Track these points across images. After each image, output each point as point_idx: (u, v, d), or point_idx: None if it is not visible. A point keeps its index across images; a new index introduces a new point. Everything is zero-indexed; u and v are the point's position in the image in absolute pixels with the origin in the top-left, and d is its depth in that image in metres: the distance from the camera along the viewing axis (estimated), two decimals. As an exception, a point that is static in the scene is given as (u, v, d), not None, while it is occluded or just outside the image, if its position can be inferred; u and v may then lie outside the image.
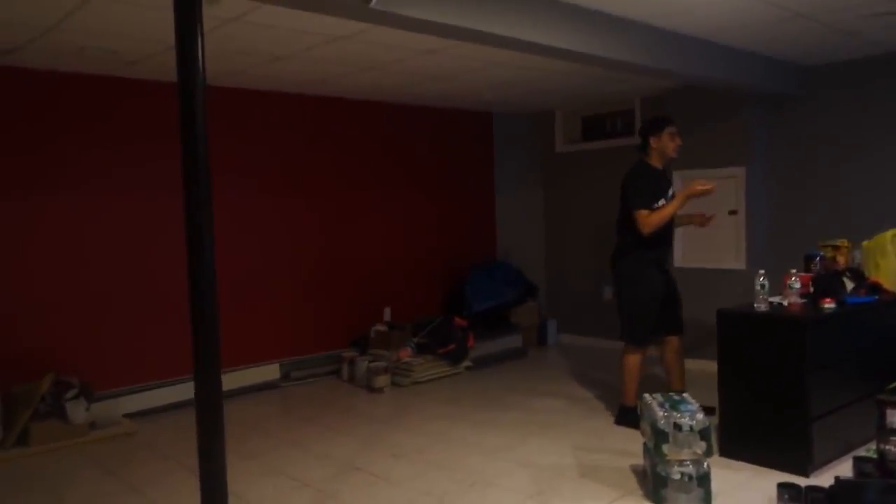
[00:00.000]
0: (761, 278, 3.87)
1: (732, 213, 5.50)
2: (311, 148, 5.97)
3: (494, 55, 4.39)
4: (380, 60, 4.70)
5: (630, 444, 3.93)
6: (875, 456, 2.96)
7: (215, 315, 2.13)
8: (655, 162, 4.30)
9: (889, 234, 4.17)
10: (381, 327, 6.12)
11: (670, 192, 4.30)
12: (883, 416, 3.14)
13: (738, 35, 4.44)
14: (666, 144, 4.24)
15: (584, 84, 5.70)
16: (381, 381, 5.48)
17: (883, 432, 2.97)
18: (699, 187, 4.07)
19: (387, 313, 6.41)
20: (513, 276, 6.81)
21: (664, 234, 4.30)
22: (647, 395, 3.57)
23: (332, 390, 5.59)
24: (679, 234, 5.26)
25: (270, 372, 5.65)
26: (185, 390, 4.87)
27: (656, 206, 4.16)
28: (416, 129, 6.63)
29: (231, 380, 5.29)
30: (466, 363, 6.00)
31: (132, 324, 5.01)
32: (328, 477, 3.75)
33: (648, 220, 4.14)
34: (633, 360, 4.36)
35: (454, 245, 6.92)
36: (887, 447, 2.89)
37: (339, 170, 6.14)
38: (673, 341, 4.44)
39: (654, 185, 4.24)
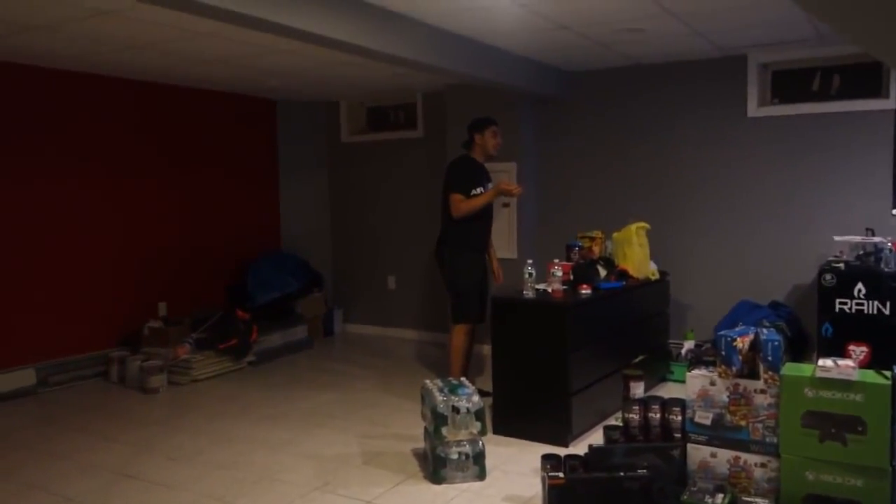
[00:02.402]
0: (529, 267, 4.25)
1: (505, 205, 5.94)
2: (77, 130, 5.49)
3: (277, 42, 4.33)
4: (149, 40, 4.44)
5: (412, 430, 4.13)
6: (621, 424, 3.40)
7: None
8: (478, 156, 4.77)
9: (634, 226, 4.78)
10: (155, 323, 5.79)
11: (489, 185, 4.74)
12: (627, 388, 3.62)
13: (509, 40, 4.80)
14: (488, 141, 4.74)
15: (367, 76, 5.80)
16: (156, 381, 5.20)
17: (627, 402, 3.41)
18: (508, 186, 4.60)
19: (161, 308, 6.08)
20: (297, 267, 6.77)
21: (483, 224, 4.77)
22: (427, 382, 3.78)
23: (100, 394, 5.21)
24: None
25: (24, 378, 5.13)
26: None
27: (474, 193, 4.61)
28: (194, 114, 6.32)
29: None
30: (250, 358, 5.89)
31: None
32: (96, 488, 3.52)
33: (460, 205, 4.58)
34: (461, 339, 4.71)
35: (236, 235, 6.72)
36: (630, 415, 3.34)
37: (108, 154, 5.69)
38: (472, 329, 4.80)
39: (474, 176, 4.69)
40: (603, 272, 4.57)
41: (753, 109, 5.32)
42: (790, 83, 5.34)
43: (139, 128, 5.92)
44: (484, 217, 4.77)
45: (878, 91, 4.95)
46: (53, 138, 5.35)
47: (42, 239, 5.30)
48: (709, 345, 4.37)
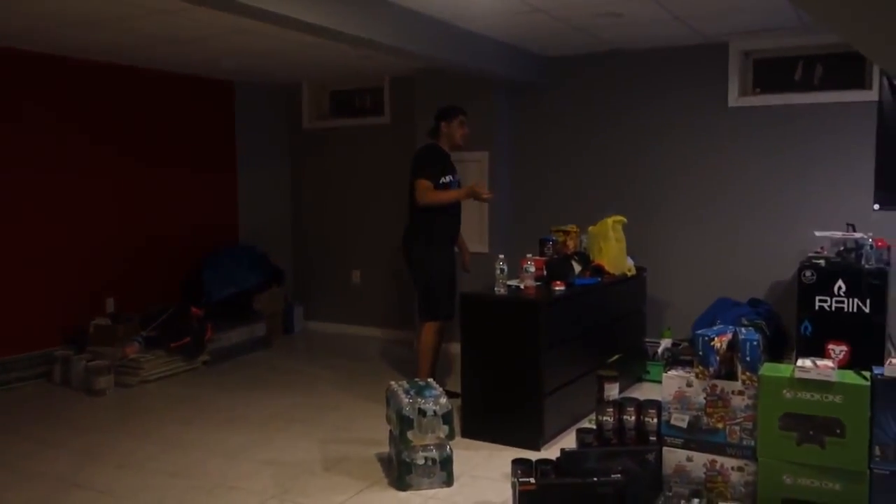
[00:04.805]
0: (501, 262, 4.26)
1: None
2: (15, 111, 5.36)
3: (235, 21, 4.28)
4: (101, 17, 4.35)
5: (376, 434, 4.13)
6: (594, 426, 3.43)
7: None
8: (444, 145, 4.82)
9: (610, 220, 4.82)
10: (102, 321, 5.71)
11: (457, 177, 4.83)
12: (601, 390, 3.64)
13: (482, 23, 4.80)
14: (455, 131, 4.80)
15: (330, 58, 5.76)
16: (103, 382, 5.13)
17: (601, 404, 3.45)
18: (480, 189, 4.64)
19: (109, 304, 5.99)
20: (256, 260, 6.71)
21: (452, 215, 4.81)
22: (393, 383, 3.78)
23: (42, 396, 5.12)
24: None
25: (-41, 379, 5.03)
26: None
27: (443, 181, 4.66)
28: (145, 96, 6.22)
29: None
30: (204, 357, 5.83)
31: None
32: (40, 498, 3.47)
33: (427, 194, 4.61)
34: (430, 337, 4.72)
35: (191, 226, 6.62)
36: (604, 418, 3.37)
37: (50, 138, 5.57)
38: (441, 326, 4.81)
39: (442, 164, 4.74)
40: (578, 268, 4.60)
41: (734, 99, 5.39)
42: (772, 72, 5.42)
43: (85, 110, 5.80)
44: (453, 207, 4.80)
45: (862, 82, 5.05)
46: (-10, 121, 5.24)
47: (-22, 230, 5.19)
48: (686, 344, 4.42)
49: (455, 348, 5.31)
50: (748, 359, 3.01)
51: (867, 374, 2.89)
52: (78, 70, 5.71)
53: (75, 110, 5.74)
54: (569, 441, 3.83)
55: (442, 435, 3.50)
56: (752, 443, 3.01)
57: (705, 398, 3.08)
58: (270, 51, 5.45)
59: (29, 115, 5.45)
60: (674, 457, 3.17)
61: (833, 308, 4.18)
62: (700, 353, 3.08)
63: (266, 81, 7.01)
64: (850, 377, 2.89)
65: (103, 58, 5.72)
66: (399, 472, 3.50)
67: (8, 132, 5.32)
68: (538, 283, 4.35)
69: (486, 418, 4.14)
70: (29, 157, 5.46)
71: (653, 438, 3.26)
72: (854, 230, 4.58)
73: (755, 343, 3.01)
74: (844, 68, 5.12)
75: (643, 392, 4.83)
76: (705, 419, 3.09)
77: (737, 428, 3.04)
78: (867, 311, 4.10)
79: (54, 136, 5.61)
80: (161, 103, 6.36)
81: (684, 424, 3.12)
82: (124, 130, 6.09)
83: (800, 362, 2.93)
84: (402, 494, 3.46)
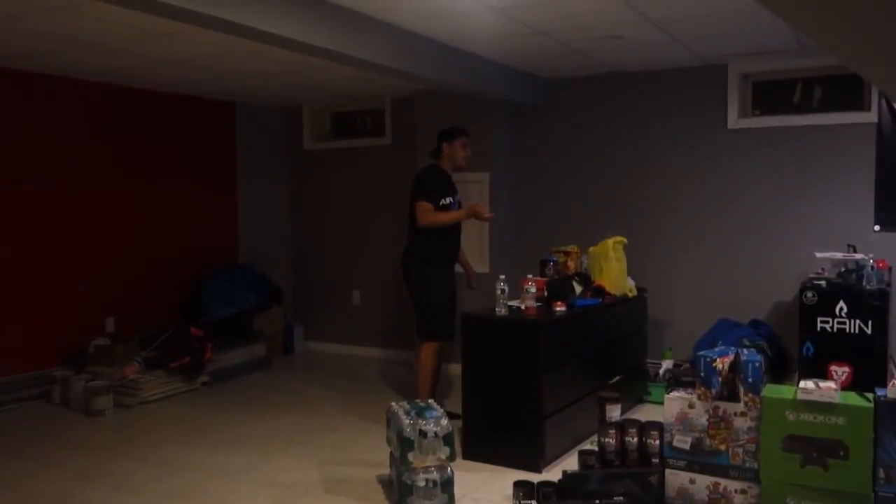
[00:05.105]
0: (501, 283, 4.26)
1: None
2: (16, 132, 5.38)
3: (236, 43, 4.32)
4: (101, 38, 4.39)
5: (377, 455, 4.12)
6: (596, 448, 3.42)
7: None
8: (446, 166, 4.84)
9: (610, 240, 4.83)
10: (101, 341, 5.70)
11: (457, 197, 4.85)
12: (603, 411, 3.64)
13: (482, 45, 4.85)
14: (457, 152, 4.82)
15: (332, 80, 5.80)
16: (102, 402, 5.11)
17: (603, 426, 3.45)
18: (481, 209, 4.68)
19: (109, 324, 5.98)
20: (256, 280, 6.71)
21: (452, 235, 4.83)
22: (393, 404, 3.77)
23: (41, 416, 5.10)
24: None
25: (-43, 399, 5.01)
26: None
27: (443, 203, 4.67)
28: (145, 116, 6.25)
29: None
30: (203, 378, 5.81)
31: None
32: (36, 520, 3.45)
33: (428, 216, 4.64)
34: (429, 358, 4.70)
35: (191, 247, 6.63)
36: (606, 440, 3.37)
37: (51, 157, 5.60)
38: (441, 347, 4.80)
39: (442, 185, 4.76)
40: (578, 288, 4.60)
41: (734, 121, 5.43)
42: (771, 94, 5.46)
43: (85, 130, 5.83)
44: (453, 228, 4.82)
45: (860, 104, 5.08)
46: (-7, 141, 5.26)
47: (-21, 249, 5.19)
48: (687, 365, 4.43)
49: (455, 369, 5.31)
50: (750, 380, 3.01)
51: (870, 395, 2.88)
52: (79, 91, 5.74)
53: (75, 131, 5.77)
54: (571, 463, 3.81)
55: (443, 456, 3.48)
56: (755, 465, 3.00)
57: (707, 420, 3.08)
58: (271, 72, 5.49)
59: (28, 135, 5.48)
60: (676, 479, 3.16)
61: (835, 329, 4.17)
62: (702, 374, 3.08)
63: (267, 103, 7.05)
64: (853, 399, 2.89)
65: (104, 78, 5.75)
66: (400, 494, 3.48)
67: (7, 152, 5.34)
68: (539, 304, 4.34)
69: (487, 440, 4.12)
70: (29, 177, 5.48)
71: (655, 460, 3.25)
72: (855, 251, 4.59)
73: (757, 364, 3.02)
74: (843, 90, 5.16)
75: (645, 413, 4.81)
76: (708, 441, 3.08)
77: (739, 450, 3.04)
78: (869, 332, 4.10)
79: (54, 156, 5.63)
80: (162, 124, 6.39)
81: (687, 446, 3.12)
82: (125, 151, 6.12)
83: (802, 384, 2.93)
84: (403, 517, 3.44)
